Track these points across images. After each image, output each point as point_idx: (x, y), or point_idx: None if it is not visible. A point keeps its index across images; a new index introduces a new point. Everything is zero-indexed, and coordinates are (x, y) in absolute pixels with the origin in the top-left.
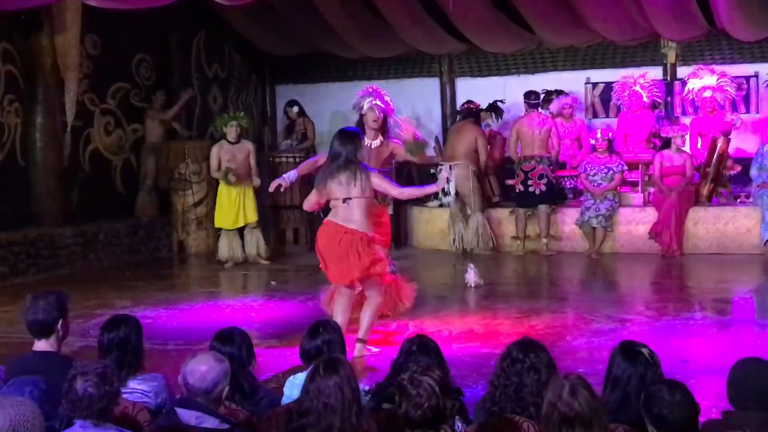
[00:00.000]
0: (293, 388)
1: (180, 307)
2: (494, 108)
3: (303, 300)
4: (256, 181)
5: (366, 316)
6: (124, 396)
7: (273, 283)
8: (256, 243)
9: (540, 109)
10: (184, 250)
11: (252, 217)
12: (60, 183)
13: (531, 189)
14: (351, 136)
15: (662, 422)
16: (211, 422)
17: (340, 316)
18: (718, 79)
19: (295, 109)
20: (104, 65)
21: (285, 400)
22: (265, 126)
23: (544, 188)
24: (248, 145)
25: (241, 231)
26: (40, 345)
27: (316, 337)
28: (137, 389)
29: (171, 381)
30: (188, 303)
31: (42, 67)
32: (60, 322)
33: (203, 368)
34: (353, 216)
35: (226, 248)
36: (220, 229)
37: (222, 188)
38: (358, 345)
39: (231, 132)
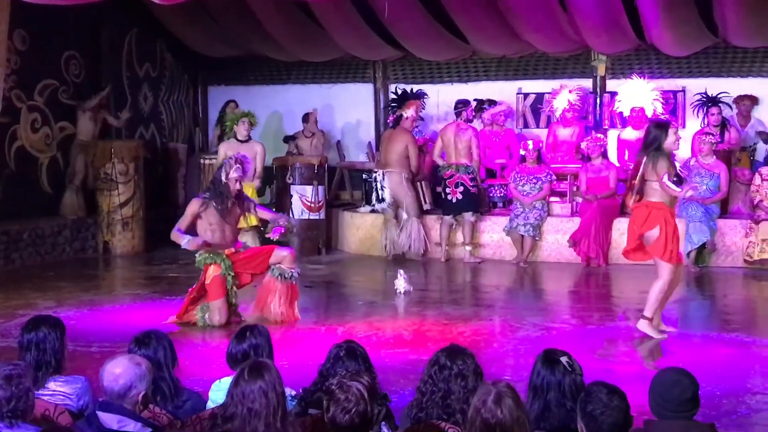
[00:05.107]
0: (218, 392)
1: (104, 309)
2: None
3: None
4: (255, 183)
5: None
6: (46, 398)
7: None
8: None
9: (458, 118)
10: (109, 250)
11: (252, 220)
12: None
13: (449, 197)
14: (662, 125)
15: (593, 422)
16: (132, 426)
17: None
18: (651, 90)
19: (237, 109)
20: (32, 61)
21: (210, 404)
22: (196, 127)
23: (460, 196)
24: (257, 146)
25: None
26: None
27: (243, 341)
28: (59, 391)
29: (94, 383)
30: (113, 304)
31: None
32: None
33: (117, 371)
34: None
35: None
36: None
37: None
38: (643, 322)
39: (241, 129)
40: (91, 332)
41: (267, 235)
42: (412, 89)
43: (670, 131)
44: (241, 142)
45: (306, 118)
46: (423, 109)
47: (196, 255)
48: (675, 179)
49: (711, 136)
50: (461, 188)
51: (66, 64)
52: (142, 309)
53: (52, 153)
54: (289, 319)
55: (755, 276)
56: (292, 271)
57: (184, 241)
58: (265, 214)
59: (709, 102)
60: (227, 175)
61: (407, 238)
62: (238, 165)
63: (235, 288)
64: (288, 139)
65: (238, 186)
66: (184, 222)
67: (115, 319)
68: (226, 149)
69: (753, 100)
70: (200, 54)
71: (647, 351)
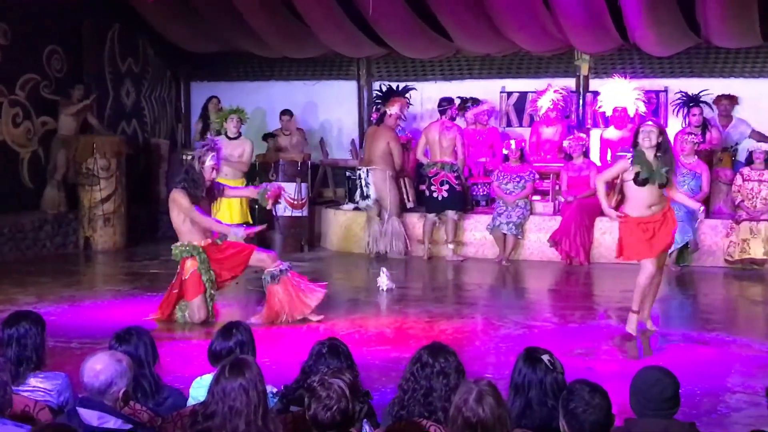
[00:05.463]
0: (199, 389)
1: (85, 304)
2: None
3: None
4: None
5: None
6: (26, 394)
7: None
8: None
9: (443, 116)
10: (90, 246)
11: (236, 218)
12: None
13: (434, 194)
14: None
15: (574, 420)
16: (113, 422)
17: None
18: (633, 89)
19: (220, 105)
20: (14, 56)
21: (191, 401)
22: (179, 123)
23: (445, 194)
24: (246, 144)
25: None
26: None
27: (228, 338)
28: (39, 387)
29: (74, 379)
30: (93, 300)
31: None
32: None
33: (98, 367)
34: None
35: None
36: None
37: None
38: (633, 317)
39: (230, 126)
40: (72, 328)
41: (265, 206)
42: (398, 86)
43: (639, 129)
44: (231, 138)
45: (282, 117)
46: (408, 108)
47: (172, 247)
48: (639, 180)
49: (693, 136)
50: (446, 186)
51: (48, 58)
52: (123, 305)
53: (34, 148)
54: (311, 305)
55: (736, 276)
56: (279, 267)
57: (239, 232)
58: (240, 193)
59: (690, 102)
60: (203, 163)
61: (389, 237)
62: (213, 152)
63: (210, 282)
64: (267, 136)
65: (213, 174)
66: (198, 212)
67: (95, 315)
68: None
69: (732, 100)
70: (183, 50)
71: (628, 349)
